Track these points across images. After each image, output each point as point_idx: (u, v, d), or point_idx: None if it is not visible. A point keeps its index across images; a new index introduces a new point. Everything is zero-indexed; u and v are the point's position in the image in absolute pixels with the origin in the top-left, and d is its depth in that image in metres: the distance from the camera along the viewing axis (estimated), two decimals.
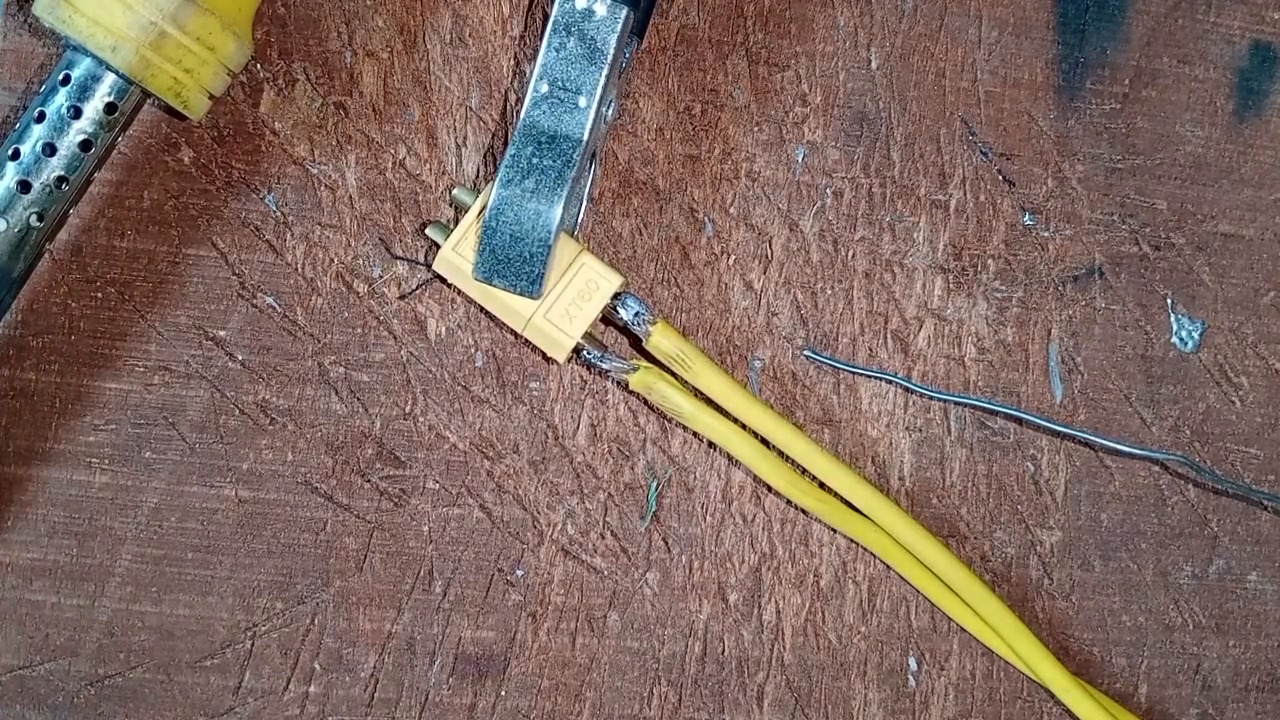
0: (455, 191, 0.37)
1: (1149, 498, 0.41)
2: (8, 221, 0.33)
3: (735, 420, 0.37)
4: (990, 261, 0.40)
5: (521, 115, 0.35)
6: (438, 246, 0.36)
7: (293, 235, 0.38)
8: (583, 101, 0.35)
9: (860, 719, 0.39)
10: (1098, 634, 0.40)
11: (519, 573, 0.38)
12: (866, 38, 0.40)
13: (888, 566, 0.39)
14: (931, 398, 0.40)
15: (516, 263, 0.35)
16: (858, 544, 0.39)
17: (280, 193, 0.38)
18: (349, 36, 0.38)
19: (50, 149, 0.33)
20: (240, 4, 0.34)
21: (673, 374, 0.37)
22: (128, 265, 0.37)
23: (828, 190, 0.40)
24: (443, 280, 0.37)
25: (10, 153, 0.33)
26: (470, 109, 0.38)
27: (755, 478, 0.39)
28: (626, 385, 0.37)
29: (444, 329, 0.38)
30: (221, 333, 0.37)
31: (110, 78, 0.33)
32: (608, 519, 0.38)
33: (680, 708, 0.38)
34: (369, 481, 0.38)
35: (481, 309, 0.38)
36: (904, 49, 0.40)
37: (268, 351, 0.37)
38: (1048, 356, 0.40)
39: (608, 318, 0.38)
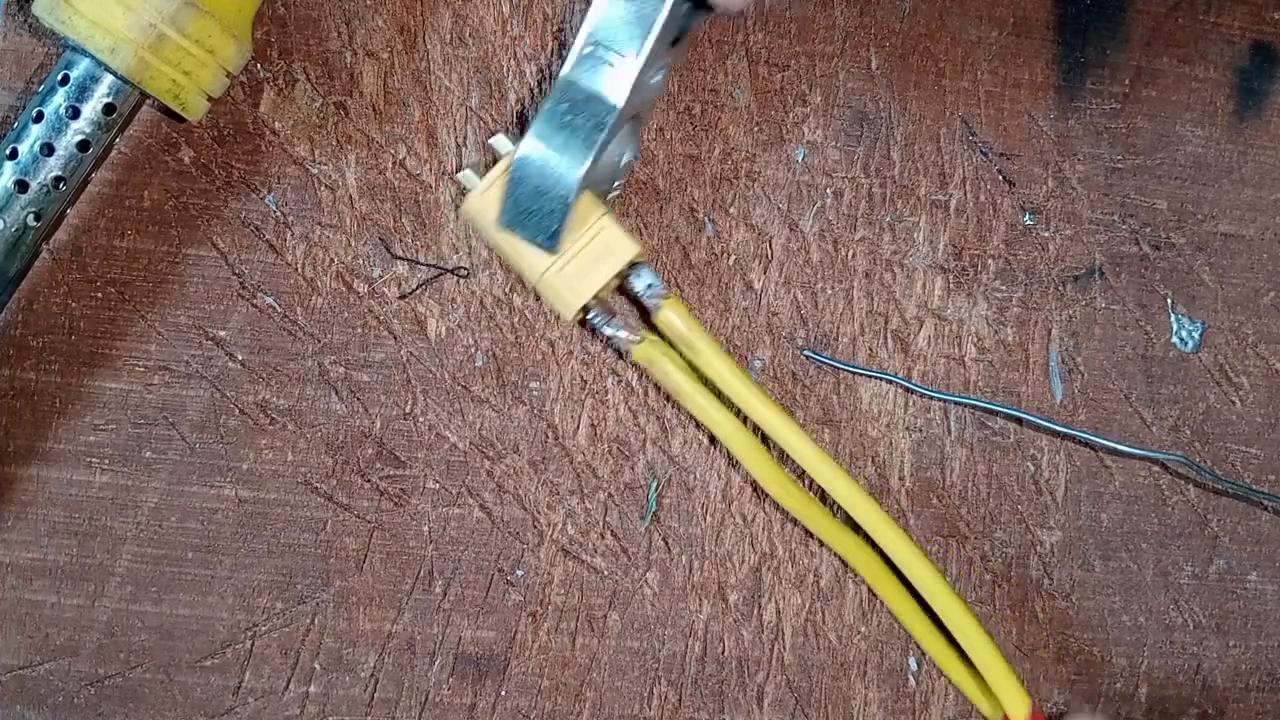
0: (492, 140, 0.36)
1: (1149, 498, 0.41)
2: (5, 221, 0.33)
3: (733, 409, 0.37)
4: (990, 261, 0.40)
5: (563, 70, 0.35)
6: (466, 191, 0.36)
7: (293, 235, 0.38)
8: (625, 65, 0.34)
9: (860, 719, 0.39)
10: (1098, 634, 0.40)
11: (519, 573, 0.38)
12: (866, 38, 0.40)
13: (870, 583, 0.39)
14: (931, 398, 0.40)
15: (538, 215, 0.34)
16: (833, 551, 0.39)
17: (280, 193, 0.38)
18: (349, 36, 0.38)
19: (48, 149, 0.33)
20: (240, 6, 0.34)
21: (679, 352, 0.37)
22: (128, 265, 0.37)
23: (828, 190, 0.40)
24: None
25: (8, 152, 0.33)
26: (470, 109, 0.38)
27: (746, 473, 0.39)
28: (629, 355, 0.37)
29: (444, 329, 0.38)
30: (221, 333, 0.37)
31: (109, 79, 0.33)
32: (608, 519, 0.38)
33: (680, 708, 0.38)
34: (369, 481, 0.38)
35: (499, 260, 0.38)
36: (904, 49, 0.40)
37: (268, 351, 0.37)
38: (1048, 356, 0.40)
39: (622, 287, 0.37)
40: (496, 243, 0.36)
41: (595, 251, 0.36)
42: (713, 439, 0.39)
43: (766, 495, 0.39)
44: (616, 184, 0.38)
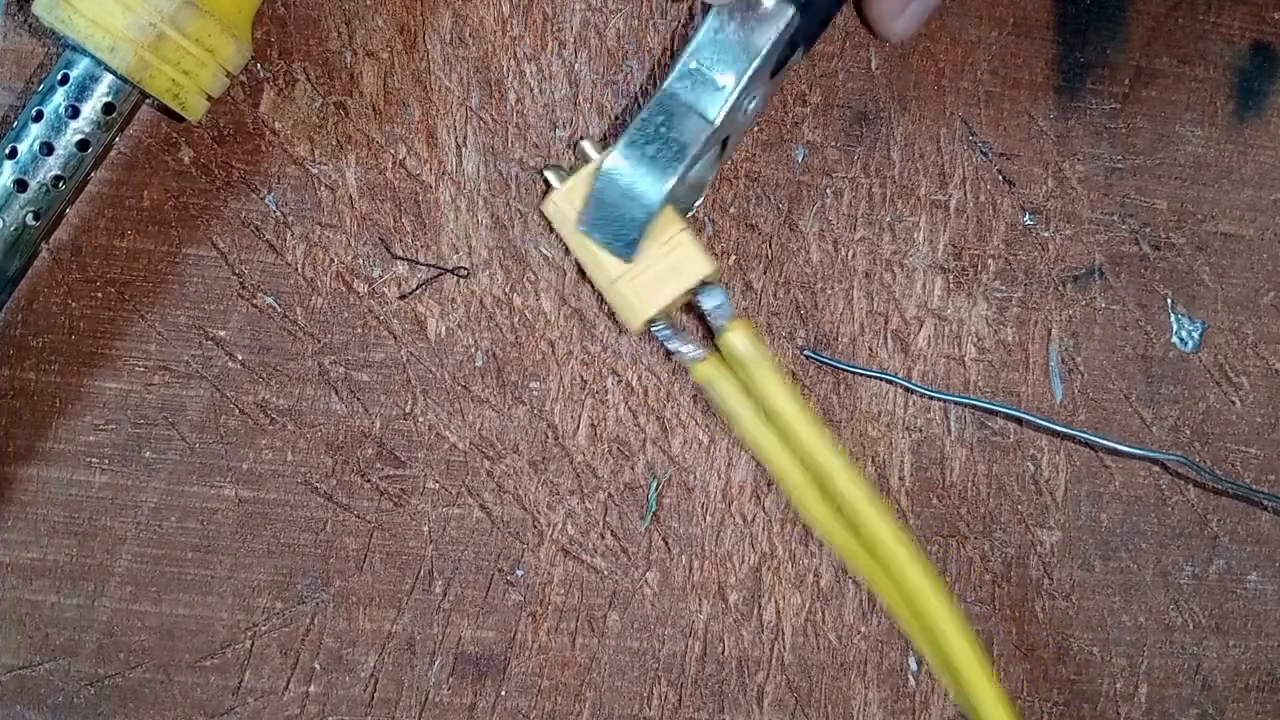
0: (582, 143, 0.37)
1: (1149, 498, 0.41)
2: (4, 220, 0.33)
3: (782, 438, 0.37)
4: (990, 261, 0.40)
5: (664, 84, 0.35)
6: (551, 189, 0.36)
7: (293, 235, 0.38)
8: (725, 86, 0.34)
9: (860, 719, 0.39)
10: (1098, 634, 0.40)
11: (519, 573, 0.38)
12: (866, 38, 0.40)
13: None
14: (931, 398, 0.40)
15: (618, 223, 0.35)
16: (876, 594, 0.39)
17: (280, 193, 0.38)
18: (349, 36, 0.38)
19: (48, 148, 0.33)
20: (240, 6, 0.34)
21: (738, 376, 0.37)
22: (128, 265, 0.37)
23: (828, 190, 0.40)
24: (547, 225, 0.38)
25: (7, 151, 0.33)
26: (470, 109, 0.38)
27: (761, 481, 0.39)
28: (690, 373, 0.37)
29: (444, 329, 0.38)
30: (221, 333, 0.37)
31: (108, 78, 0.33)
32: (608, 519, 0.38)
33: (680, 708, 0.38)
34: (369, 481, 0.38)
35: (577, 263, 0.38)
36: (904, 49, 0.40)
37: (268, 351, 0.37)
38: (1048, 356, 0.40)
39: (690, 303, 0.37)
40: (571, 242, 0.36)
41: (669, 265, 0.36)
42: (713, 439, 0.39)
43: (767, 496, 0.39)
44: (696, 203, 0.38)
